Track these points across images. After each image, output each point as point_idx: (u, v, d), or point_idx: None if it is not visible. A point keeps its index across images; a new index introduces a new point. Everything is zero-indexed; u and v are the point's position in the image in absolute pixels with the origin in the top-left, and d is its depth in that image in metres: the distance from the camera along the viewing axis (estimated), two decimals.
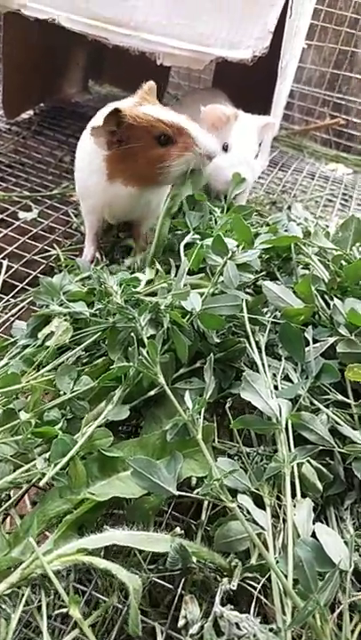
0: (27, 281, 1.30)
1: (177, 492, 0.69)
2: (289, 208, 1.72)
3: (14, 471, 0.74)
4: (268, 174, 1.98)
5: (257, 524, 0.70)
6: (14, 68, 1.95)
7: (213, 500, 0.72)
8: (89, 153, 1.20)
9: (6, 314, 1.18)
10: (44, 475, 0.68)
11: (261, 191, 1.84)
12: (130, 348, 0.78)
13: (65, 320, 0.97)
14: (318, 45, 2.37)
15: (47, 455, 0.71)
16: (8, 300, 1.23)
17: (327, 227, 1.65)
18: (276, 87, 1.66)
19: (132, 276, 0.94)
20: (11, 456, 0.74)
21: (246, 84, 1.95)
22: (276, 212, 1.72)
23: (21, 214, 1.55)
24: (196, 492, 0.71)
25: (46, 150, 1.97)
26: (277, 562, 0.66)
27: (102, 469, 0.74)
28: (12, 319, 1.15)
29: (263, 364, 0.88)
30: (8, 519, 0.76)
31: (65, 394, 0.79)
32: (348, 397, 0.87)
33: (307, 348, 0.91)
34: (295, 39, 1.90)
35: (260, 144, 1.46)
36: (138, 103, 1.17)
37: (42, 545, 0.64)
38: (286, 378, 0.90)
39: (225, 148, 1.37)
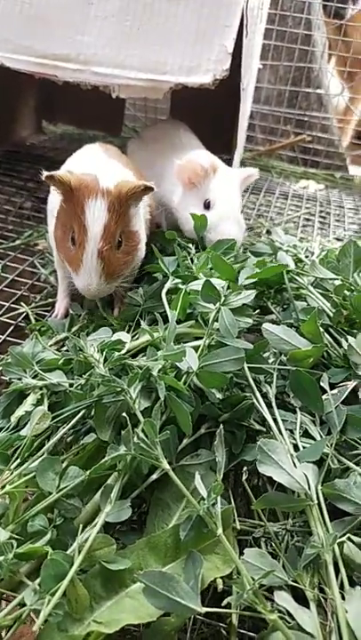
0: None
1: (203, 609, 0.55)
2: (268, 233, 1.64)
3: None
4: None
5: (304, 630, 0.58)
6: None
7: (247, 613, 0.58)
8: (53, 196, 1.09)
9: None
10: (36, 611, 0.54)
11: None
12: (123, 432, 0.65)
13: (42, 394, 0.84)
14: (273, 64, 2.33)
15: (37, 583, 0.57)
16: None
17: (311, 247, 1.57)
18: (241, 109, 1.59)
19: (115, 337, 0.82)
20: None
21: (204, 109, 1.89)
22: (255, 238, 1.64)
23: None
24: (225, 602, 0.58)
25: (4, 198, 1.85)
26: None
27: (107, 585, 0.60)
28: None
29: (277, 423, 0.76)
30: None
31: (50, 493, 0.66)
32: None
33: (324, 396, 0.80)
34: (252, 59, 1.85)
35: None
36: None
37: None
38: (306, 433, 0.79)
39: (207, 206, 1.23)
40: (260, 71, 2.13)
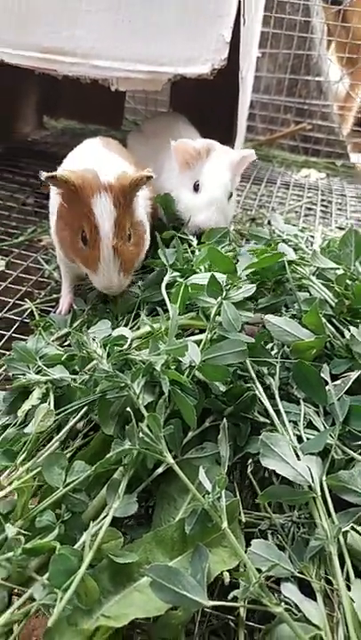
0: (1, 343, 1.17)
1: (209, 603, 0.56)
2: (269, 223, 1.63)
3: (10, 598, 0.61)
4: (241, 189, 1.89)
5: (310, 622, 0.58)
6: None
7: (253, 607, 0.59)
8: (54, 195, 1.09)
9: None
10: (45, 606, 0.55)
11: (238, 208, 1.74)
12: (127, 426, 0.66)
13: (47, 388, 0.84)
14: (272, 53, 2.31)
15: (46, 578, 0.57)
16: None
17: (313, 237, 1.56)
18: (240, 98, 1.58)
19: (117, 333, 0.82)
20: (2, 579, 0.61)
21: (205, 100, 1.88)
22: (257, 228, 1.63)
23: None
24: (231, 595, 0.58)
25: (7, 195, 1.85)
26: None
27: (115, 579, 0.61)
28: None
29: (281, 416, 0.76)
30: None
31: (57, 488, 0.66)
32: None
33: (327, 387, 0.80)
34: (251, 47, 1.83)
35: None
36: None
37: None
38: (310, 424, 0.79)
39: (196, 188, 1.26)
40: (258, 59, 2.11)
